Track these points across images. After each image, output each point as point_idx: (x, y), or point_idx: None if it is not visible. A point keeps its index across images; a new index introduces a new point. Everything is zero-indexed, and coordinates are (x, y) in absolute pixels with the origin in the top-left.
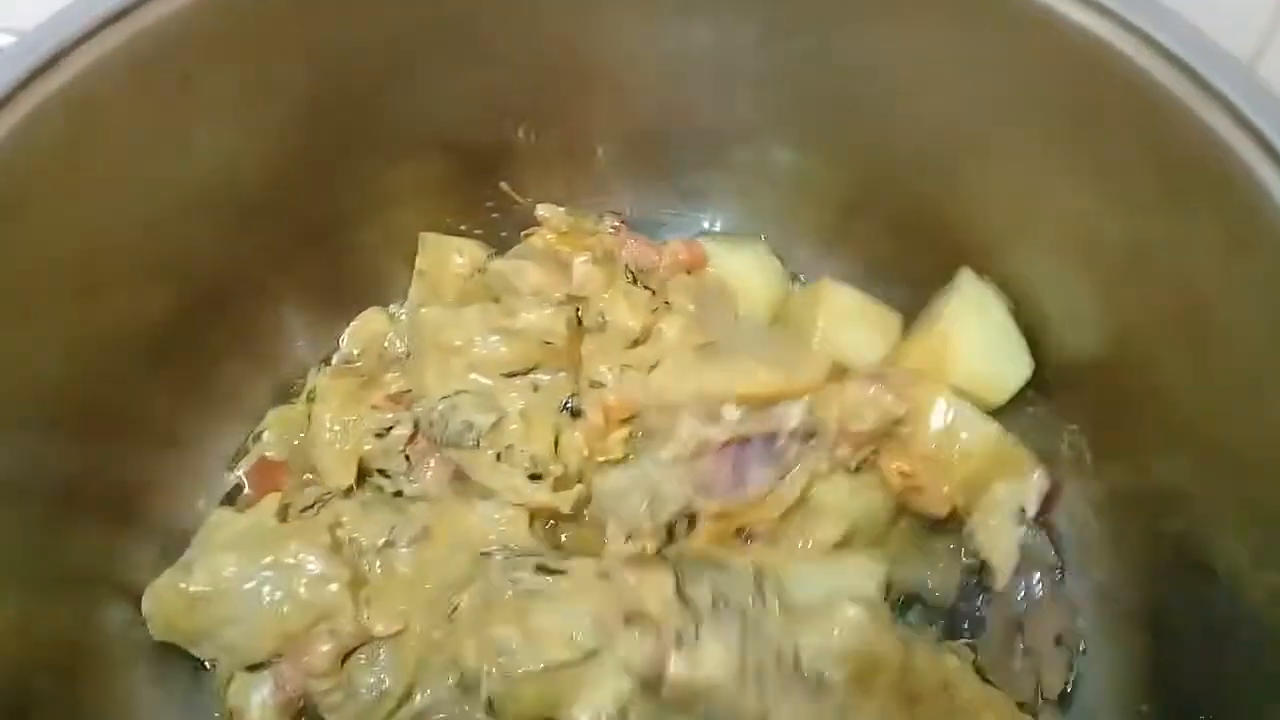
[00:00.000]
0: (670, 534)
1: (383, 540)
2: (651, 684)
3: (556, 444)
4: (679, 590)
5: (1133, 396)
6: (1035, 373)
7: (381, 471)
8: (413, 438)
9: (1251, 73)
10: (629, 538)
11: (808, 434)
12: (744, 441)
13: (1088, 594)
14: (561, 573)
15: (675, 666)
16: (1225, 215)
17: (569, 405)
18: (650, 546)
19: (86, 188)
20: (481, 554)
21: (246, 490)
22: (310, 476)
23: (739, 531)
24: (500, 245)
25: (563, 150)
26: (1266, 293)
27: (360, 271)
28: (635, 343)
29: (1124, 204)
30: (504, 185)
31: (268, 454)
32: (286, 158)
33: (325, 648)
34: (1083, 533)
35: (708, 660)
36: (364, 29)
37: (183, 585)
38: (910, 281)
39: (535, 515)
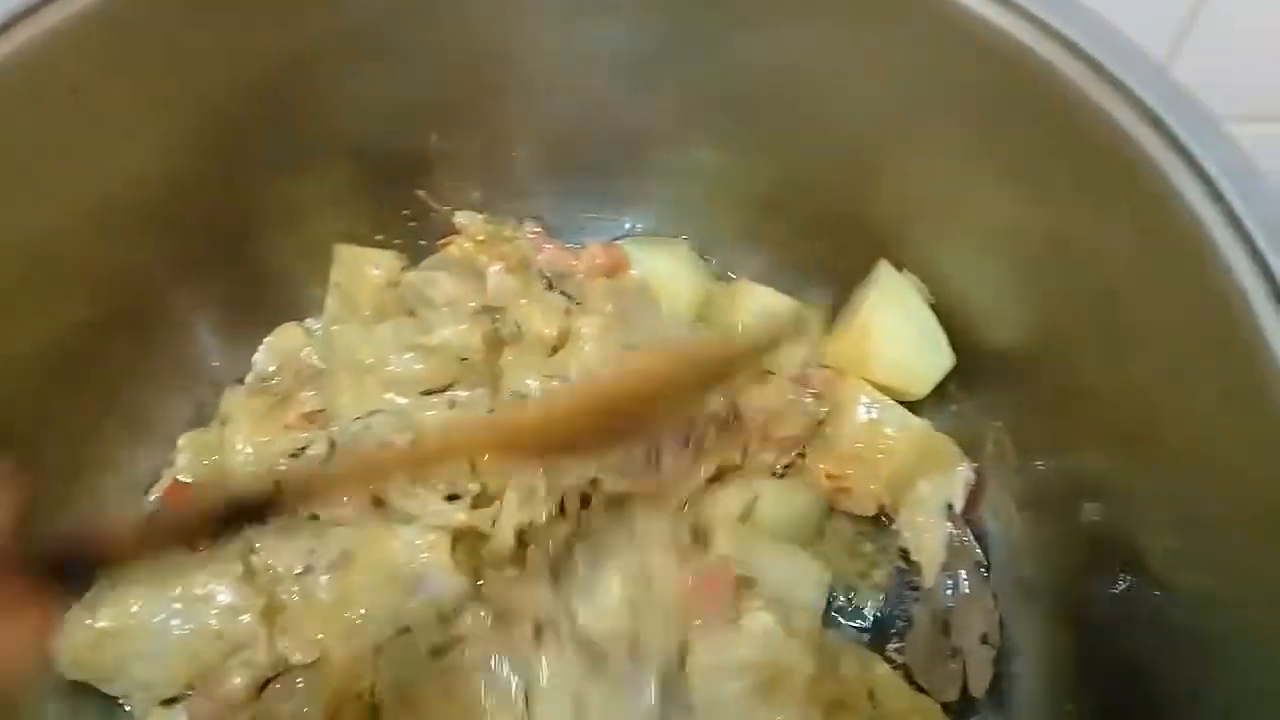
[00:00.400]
0: (562, 508)
1: (301, 567)
2: None
3: (474, 465)
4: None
5: (1055, 390)
6: (958, 368)
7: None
8: (328, 458)
9: (1160, 68)
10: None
11: (726, 420)
12: None
13: (1012, 591)
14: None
15: None
16: (1136, 209)
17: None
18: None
19: None
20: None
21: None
22: None
23: None
24: (419, 255)
25: (479, 155)
26: (1179, 285)
27: (275, 285)
28: (554, 350)
29: (1040, 198)
30: (421, 193)
31: (180, 478)
32: (191, 169)
33: (239, 680)
34: (1007, 529)
35: None
36: (265, 37)
37: (89, 622)
38: (834, 279)
39: (458, 538)
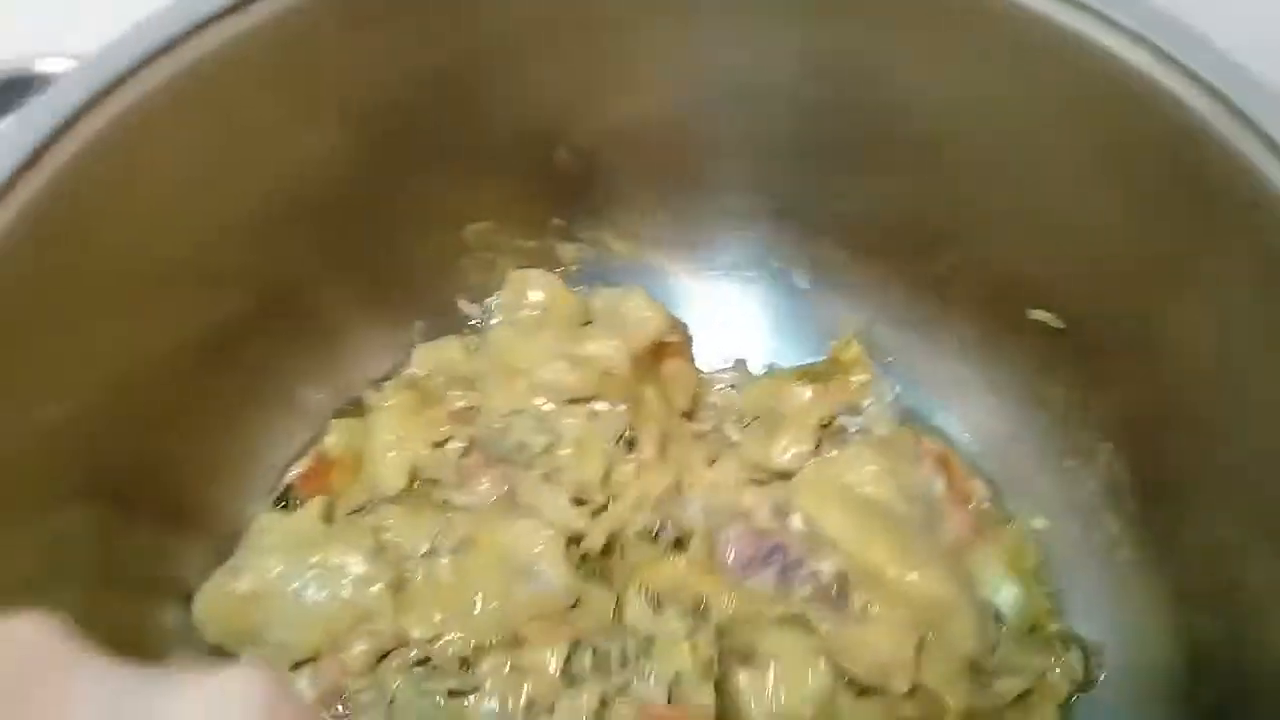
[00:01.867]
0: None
1: (426, 547)
2: None
3: (608, 477)
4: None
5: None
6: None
7: (433, 481)
8: (468, 452)
9: None
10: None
11: None
12: None
13: None
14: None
15: None
16: (1255, 244)
17: (624, 437)
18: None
19: (142, 208)
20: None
21: (296, 493)
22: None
23: None
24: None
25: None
26: None
27: (425, 288)
28: None
29: (1161, 230)
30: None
31: (322, 453)
32: (343, 177)
33: (362, 647)
34: None
35: None
36: (415, 51)
37: (231, 587)
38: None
39: (572, 541)
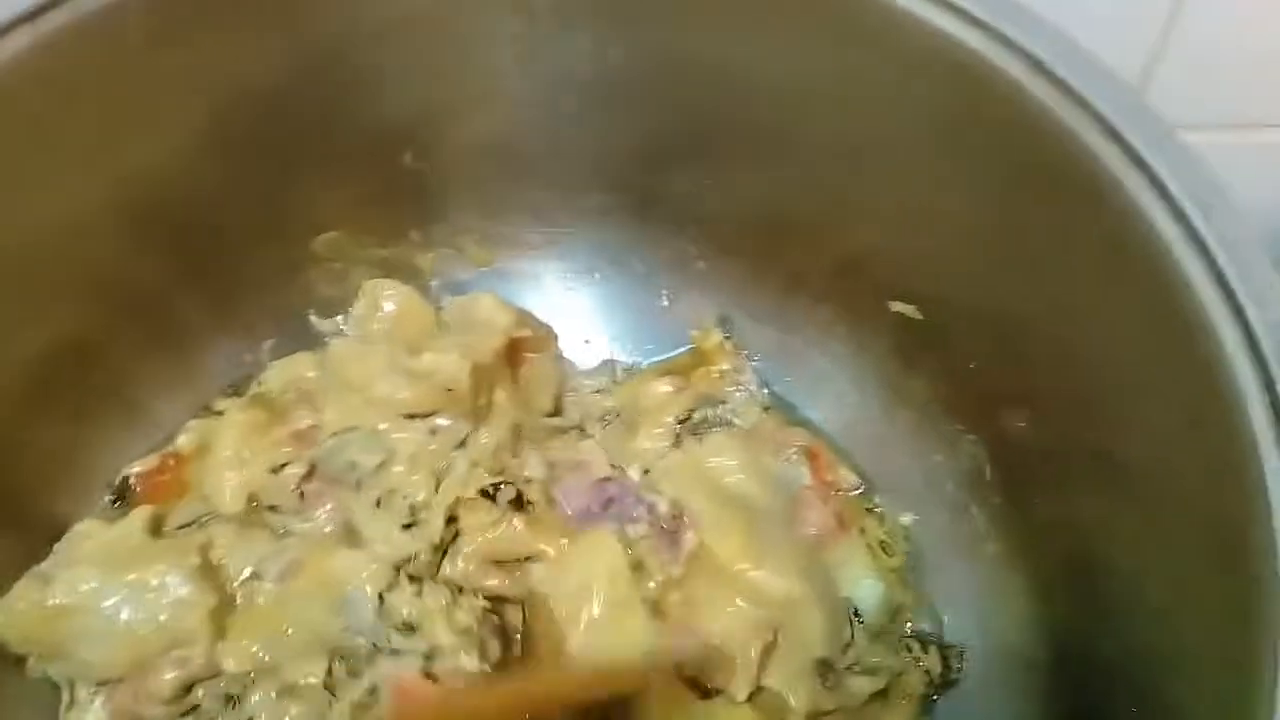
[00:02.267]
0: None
1: (249, 571)
2: None
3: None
4: None
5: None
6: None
7: (271, 508)
8: (309, 476)
9: (1124, 85)
10: None
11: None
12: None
13: None
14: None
15: None
16: (1100, 226)
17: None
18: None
19: None
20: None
21: (136, 495)
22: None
23: None
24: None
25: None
26: (1141, 303)
27: (279, 294)
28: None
29: (1005, 216)
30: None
31: (173, 453)
32: (199, 174)
33: (170, 675)
34: None
35: None
36: (274, 44)
37: (38, 597)
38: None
39: (400, 566)
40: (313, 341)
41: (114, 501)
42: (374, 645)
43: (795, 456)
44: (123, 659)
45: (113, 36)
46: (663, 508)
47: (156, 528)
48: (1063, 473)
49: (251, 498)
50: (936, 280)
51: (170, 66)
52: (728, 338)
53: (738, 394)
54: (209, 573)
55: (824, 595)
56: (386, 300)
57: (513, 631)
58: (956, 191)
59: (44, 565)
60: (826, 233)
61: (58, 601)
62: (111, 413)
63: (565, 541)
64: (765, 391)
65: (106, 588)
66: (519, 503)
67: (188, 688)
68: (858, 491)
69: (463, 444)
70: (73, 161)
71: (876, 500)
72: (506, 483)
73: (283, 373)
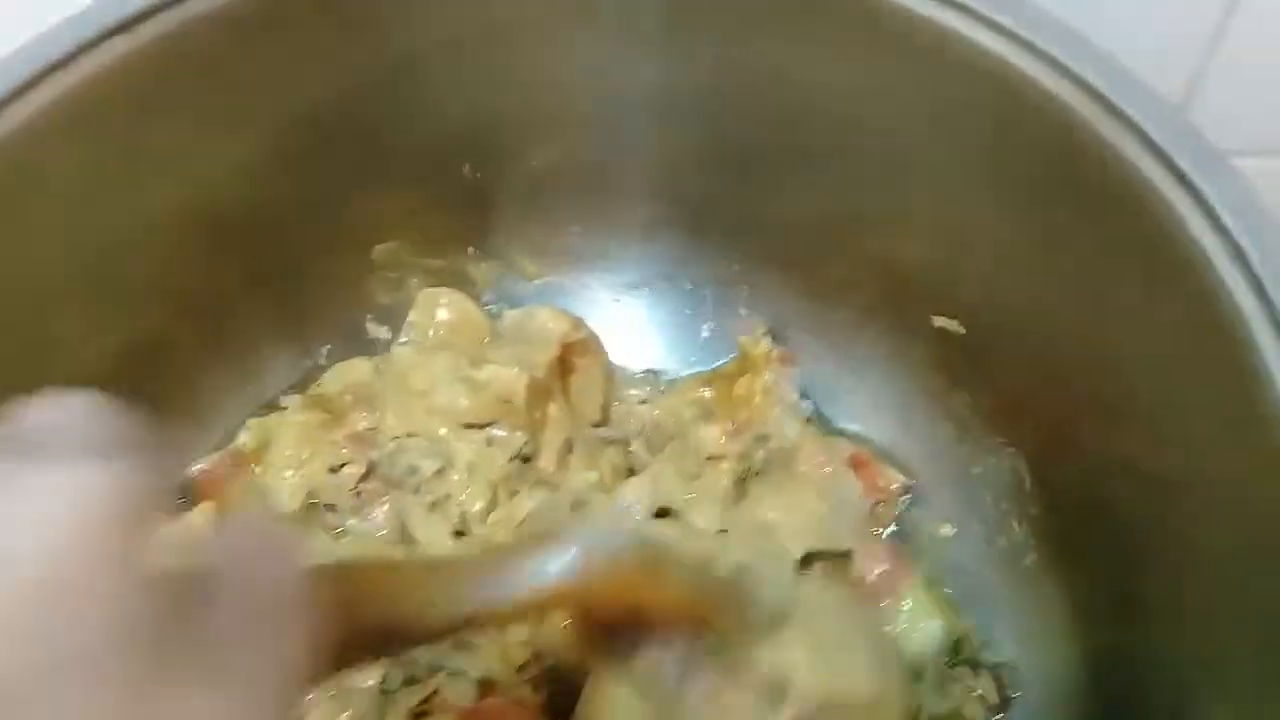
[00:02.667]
0: None
1: None
2: None
3: (495, 505)
4: None
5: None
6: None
7: (329, 506)
8: (366, 477)
9: (1167, 104)
10: None
11: None
12: None
13: None
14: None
15: None
16: (1140, 242)
17: (521, 454)
18: None
19: (36, 223)
20: None
21: (198, 493)
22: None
23: None
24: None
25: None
26: (1180, 316)
27: (339, 302)
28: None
29: (1046, 231)
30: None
31: (235, 451)
32: (263, 189)
33: None
34: None
35: None
36: (331, 62)
37: None
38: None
39: None
40: (368, 347)
41: (179, 500)
42: (432, 658)
43: (843, 465)
44: None
45: (199, 48)
46: None
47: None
48: (1102, 483)
49: (309, 495)
50: (979, 295)
51: (250, 77)
52: (775, 346)
53: (778, 411)
54: None
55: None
56: (442, 309)
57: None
58: (1001, 207)
59: None
60: (874, 248)
61: None
62: (178, 412)
63: None
64: (807, 404)
65: None
66: None
67: None
68: (907, 496)
69: (520, 458)
70: (153, 169)
71: (915, 512)
72: None
73: (340, 376)
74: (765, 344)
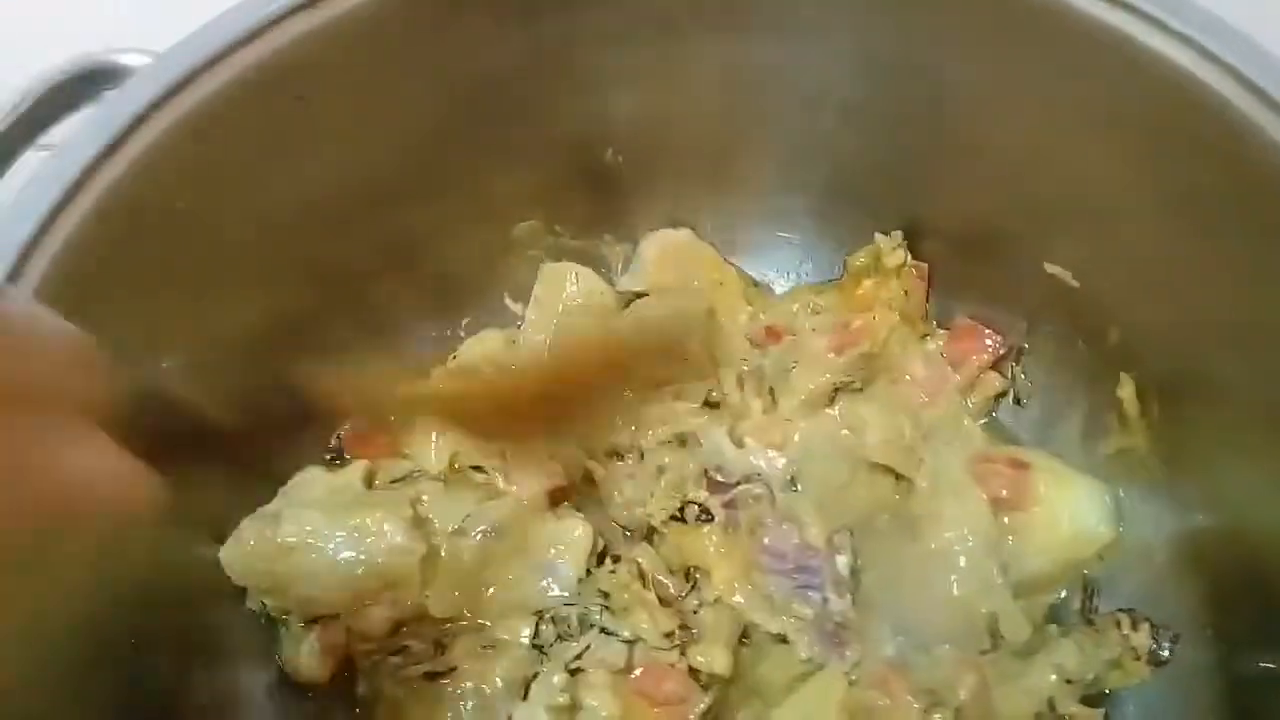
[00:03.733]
0: None
1: (454, 526)
2: None
3: None
4: None
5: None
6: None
7: (476, 468)
8: None
9: None
10: None
11: None
12: None
13: None
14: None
15: None
16: None
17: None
18: None
19: (213, 197)
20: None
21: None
22: (407, 454)
23: None
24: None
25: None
26: None
27: (473, 279)
28: None
29: (1200, 229)
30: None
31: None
32: (398, 172)
33: (383, 614)
34: None
35: None
36: (472, 58)
37: (269, 534)
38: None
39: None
40: (505, 320)
41: (331, 459)
42: (582, 614)
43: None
44: (339, 596)
45: (375, 27)
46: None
47: (370, 481)
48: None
49: (453, 459)
50: (1133, 299)
51: (419, 57)
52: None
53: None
54: (420, 524)
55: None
56: (569, 283)
57: None
58: (1159, 208)
59: (271, 506)
60: (1027, 249)
61: (284, 539)
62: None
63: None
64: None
65: (329, 530)
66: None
67: (396, 628)
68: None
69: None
70: (317, 146)
71: None
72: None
73: (475, 347)
74: (901, 253)
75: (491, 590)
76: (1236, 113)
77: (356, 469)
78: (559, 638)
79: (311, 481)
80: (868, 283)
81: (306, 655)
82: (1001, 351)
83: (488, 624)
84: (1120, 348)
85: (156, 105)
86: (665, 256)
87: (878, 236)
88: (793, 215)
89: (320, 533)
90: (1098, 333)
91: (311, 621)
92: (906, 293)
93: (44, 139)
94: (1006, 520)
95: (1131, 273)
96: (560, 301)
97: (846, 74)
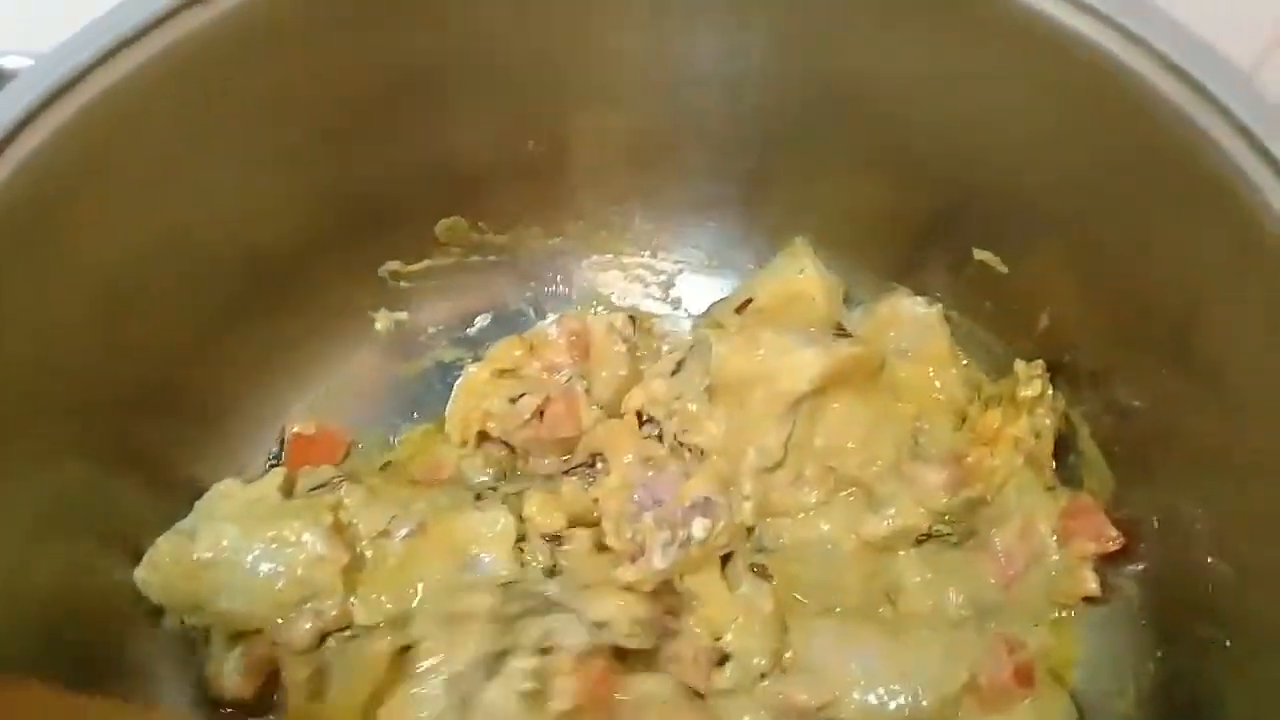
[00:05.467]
0: None
1: (379, 530)
2: None
3: None
4: None
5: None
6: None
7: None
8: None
9: (1247, 78)
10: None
11: None
12: None
13: None
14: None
15: None
16: (1225, 220)
17: None
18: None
19: (114, 194)
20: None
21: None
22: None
23: None
24: None
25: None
26: (1271, 295)
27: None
28: None
29: (1126, 209)
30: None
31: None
32: (309, 172)
33: (307, 626)
34: None
35: None
36: (370, 62)
37: (185, 550)
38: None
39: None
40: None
41: (273, 461)
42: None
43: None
44: (260, 610)
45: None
46: None
47: (289, 490)
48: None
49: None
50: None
51: (318, 51)
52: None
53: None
54: (341, 530)
55: None
56: None
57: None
58: (1077, 185)
59: (186, 522)
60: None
61: (201, 555)
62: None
63: None
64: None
65: (246, 543)
66: None
67: (321, 638)
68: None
69: None
70: (239, 145)
71: None
72: None
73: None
74: (1040, 383)
75: (419, 589)
76: (1155, 93)
77: (273, 478)
78: (521, 614)
79: (227, 494)
80: (994, 412)
81: (230, 673)
82: (1114, 549)
83: (410, 621)
84: None
85: (43, 108)
86: None
87: (1017, 364)
88: (723, 203)
89: (237, 546)
90: None
91: (235, 638)
92: (1038, 435)
93: None
94: None
95: None
96: None
97: (764, 57)
